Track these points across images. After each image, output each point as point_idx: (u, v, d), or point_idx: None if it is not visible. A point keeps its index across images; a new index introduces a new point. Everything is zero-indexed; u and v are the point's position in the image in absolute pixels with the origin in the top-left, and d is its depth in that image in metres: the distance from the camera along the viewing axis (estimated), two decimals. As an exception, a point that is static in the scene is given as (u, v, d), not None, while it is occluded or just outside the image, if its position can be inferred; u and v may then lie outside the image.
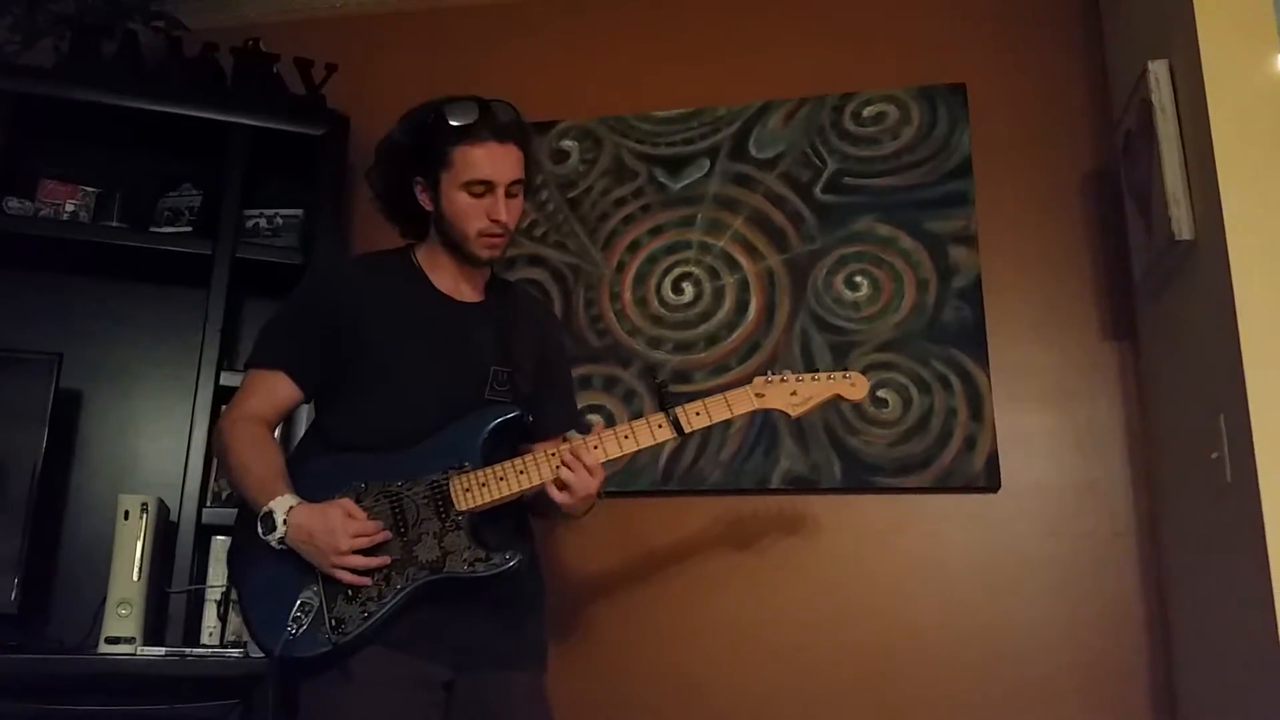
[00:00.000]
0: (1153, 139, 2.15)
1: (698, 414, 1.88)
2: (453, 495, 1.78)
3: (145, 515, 2.44)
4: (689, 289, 2.77)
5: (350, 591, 1.72)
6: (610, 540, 2.61)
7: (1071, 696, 2.37)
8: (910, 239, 2.67)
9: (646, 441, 1.86)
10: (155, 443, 2.78)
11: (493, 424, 1.84)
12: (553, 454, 1.81)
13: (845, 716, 2.46)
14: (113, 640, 2.36)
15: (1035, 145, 2.69)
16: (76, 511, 2.71)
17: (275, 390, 1.87)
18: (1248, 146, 1.94)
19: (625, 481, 2.61)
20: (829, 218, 2.73)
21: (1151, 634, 2.38)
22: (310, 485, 1.78)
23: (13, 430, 2.50)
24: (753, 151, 2.82)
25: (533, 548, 1.96)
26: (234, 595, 2.48)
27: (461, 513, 1.77)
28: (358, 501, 1.76)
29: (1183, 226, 2.07)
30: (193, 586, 2.52)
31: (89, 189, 2.75)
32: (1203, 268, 2.04)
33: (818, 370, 1.96)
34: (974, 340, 2.57)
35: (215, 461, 2.64)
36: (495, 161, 1.85)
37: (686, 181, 2.84)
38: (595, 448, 1.83)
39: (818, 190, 2.75)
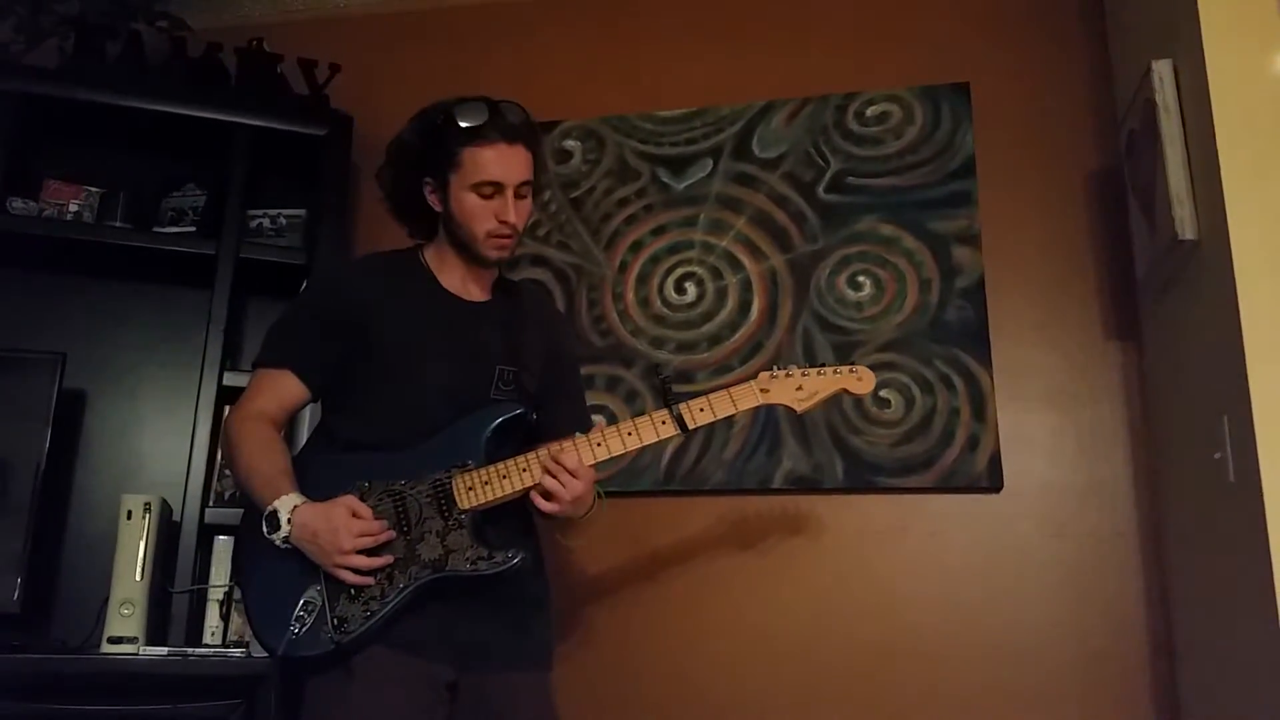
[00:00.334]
0: (1156, 138, 2.15)
1: (702, 410, 1.87)
2: (455, 494, 1.78)
3: (148, 515, 2.44)
4: (692, 289, 2.77)
5: (353, 591, 1.72)
6: (613, 540, 2.61)
7: (1074, 696, 2.37)
8: (913, 239, 2.67)
9: (650, 438, 1.85)
10: (158, 443, 2.78)
11: (496, 422, 1.83)
12: (503, 474, 1.79)
13: (847, 716, 2.45)
14: (115, 640, 2.36)
15: (1039, 145, 2.69)
16: (79, 511, 2.71)
17: (282, 389, 1.88)
18: (1252, 146, 1.94)
19: (628, 481, 2.61)
20: (832, 217, 2.73)
21: (1154, 634, 2.37)
22: (315, 484, 1.77)
23: (16, 430, 2.50)
24: (756, 151, 2.81)
25: (537, 547, 1.96)
26: (237, 595, 2.49)
27: (464, 511, 1.77)
28: (361, 500, 1.76)
29: (1186, 226, 2.07)
30: (195, 586, 2.53)
31: (93, 189, 2.75)
32: (1206, 268, 2.03)
33: (823, 365, 1.93)
34: (977, 340, 2.57)
35: (219, 461, 2.65)
36: (504, 163, 1.85)
37: (689, 181, 2.84)
38: (599, 445, 1.82)
39: (821, 190, 2.75)
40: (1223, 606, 2.03)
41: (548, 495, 1.78)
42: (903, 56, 2.82)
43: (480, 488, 1.78)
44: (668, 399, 1.88)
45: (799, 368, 1.92)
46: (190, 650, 2.37)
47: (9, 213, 2.64)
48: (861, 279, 2.68)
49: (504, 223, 1.86)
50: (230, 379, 2.62)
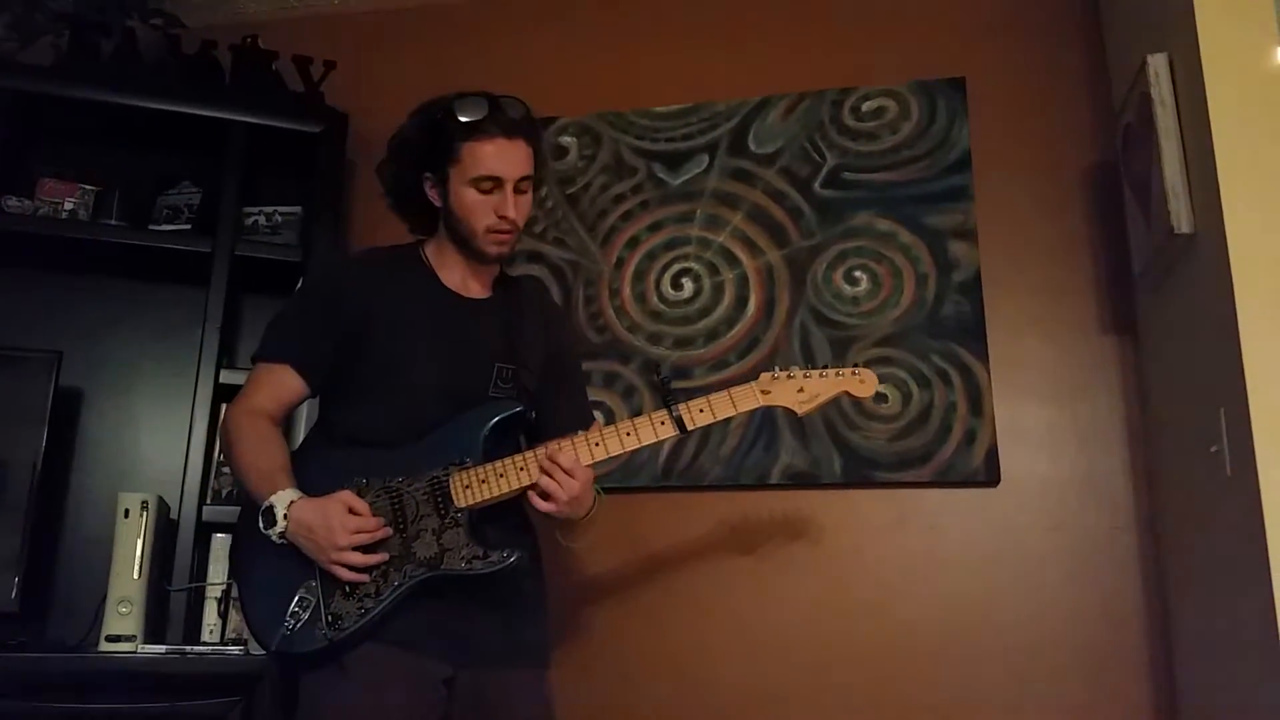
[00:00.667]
0: (1152, 132, 2.15)
1: (701, 411, 1.86)
2: (453, 492, 1.77)
3: (145, 513, 2.44)
4: (688, 285, 2.77)
5: (348, 588, 1.71)
6: (610, 537, 2.60)
7: (1072, 690, 2.37)
8: (909, 234, 2.67)
9: (649, 439, 1.84)
10: (155, 441, 2.78)
11: (494, 420, 1.83)
12: (500, 472, 1.78)
13: (846, 710, 2.46)
14: (113, 638, 2.36)
15: (1034, 139, 2.69)
16: (77, 510, 2.71)
17: (281, 384, 1.87)
18: (1247, 139, 1.94)
19: (625, 478, 2.61)
20: (828, 213, 2.73)
21: (1151, 627, 2.38)
22: (313, 480, 1.77)
23: (13, 429, 2.50)
24: (752, 147, 2.81)
25: (535, 544, 1.96)
26: (235, 593, 2.49)
27: (461, 509, 1.76)
28: (358, 497, 1.76)
29: (1182, 220, 2.07)
30: (193, 584, 2.52)
31: (88, 187, 2.75)
32: (1202, 261, 2.03)
33: (825, 367, 1.92)
34: (973, 335, 2.57)
35: (215, 459, 2.65)
36: (504, 157, 1.84)
37: (685, 177, 2.84)
38: (597, 445, 1.81)
39: (817, 185, 2.75)
40: (1220, 599, 2.04)
41: (544, 495, 1.77)
42: (898, 51, 2.82)
43: (477, 486, 1.78)
44: (666, 399, 1.87)
45: (800, 369, 1.90)
46: (188, 648, 2.37)
47: (4, 211, 2.63)
48: (858, 274, 2.68)
49: (503, 218, 1.85)
50: (227, 377, 2.61)
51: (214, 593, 2.55)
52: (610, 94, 2.94)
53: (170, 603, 2.50)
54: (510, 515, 1.87)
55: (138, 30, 2.83)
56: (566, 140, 2.92)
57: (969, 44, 2.78)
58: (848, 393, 1.90)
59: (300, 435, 2.29)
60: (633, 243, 2.83)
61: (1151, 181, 2.19)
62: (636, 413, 2.67)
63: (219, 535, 2.58)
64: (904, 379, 2.59)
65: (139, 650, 2.34)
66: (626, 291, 2.80)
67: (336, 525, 1.70)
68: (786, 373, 1.89)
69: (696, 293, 2.76)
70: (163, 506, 2.52)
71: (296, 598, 1.71)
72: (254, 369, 1.92)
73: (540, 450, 1.80)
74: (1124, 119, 2.39)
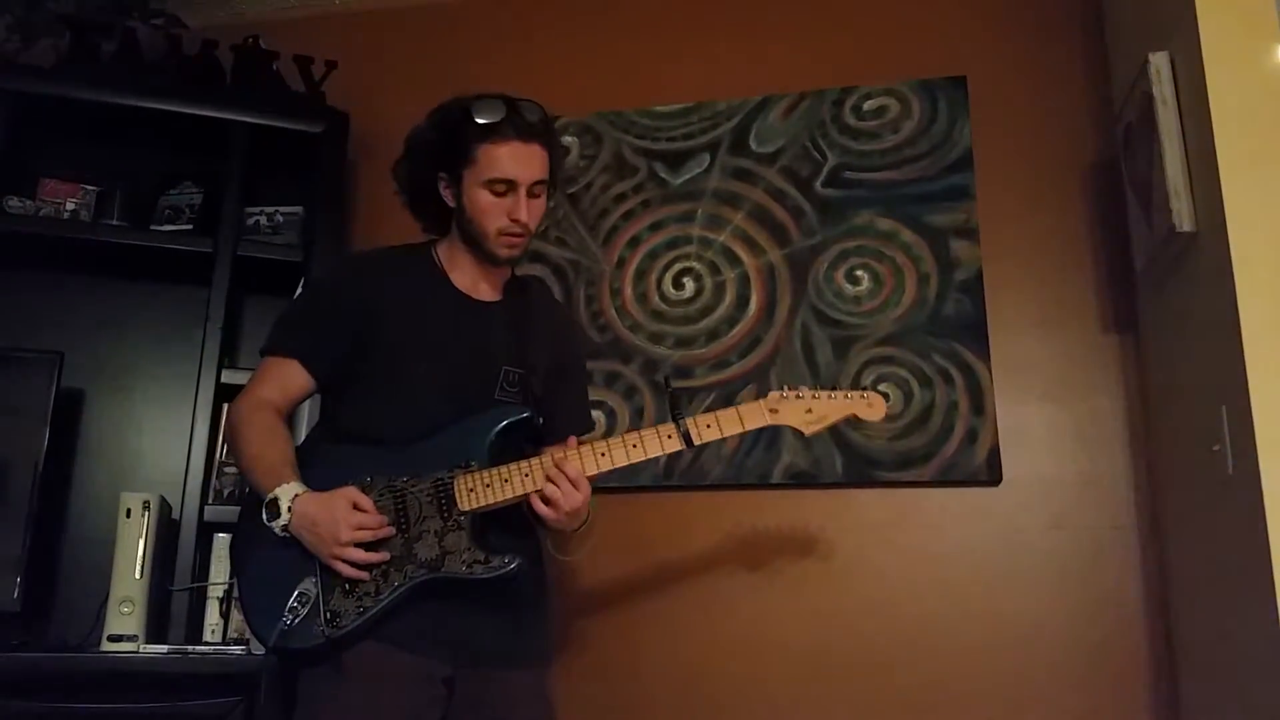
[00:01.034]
0: (1153, 131, 2.15)
1: (709, 426, 1.85)
2: (456, 494, 1.77)
3: (147, 513, 2.44)
4: (690, 284, 2.77)
5: (348, 585, 1.71)
6: (612, 536, 2.60)
7: (1073, 689, 2.37)
8: (911, 233, 2.67)
9: (655, 452, 1.83)
10: (157, 441, 2.78)
11: (501, 424, 1.82)
12: (505, 478, 1.78)
13: (847, 709, 2.46)
14: (115, 638, 2.36)
15: (1036, 138, 2.69)
16: (78, 510, 2.71)
17: (288, 378, 1.87)
18: (1249, 138, 1.93)
19: (627, 477, 2.56)
20: (830, 212, 2.73)
21: (1153, 627, 2.38)
22: (317, 474, 1.77)
23: (14, 429, 2.50)
24: (753, 146, 2.81)
25: (537, 546, 1.95)
26: (236, 592, 2.49)
27: (464, 512, 1.76)
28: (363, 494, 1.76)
29: (1184, 218, 2.07)
30: (195, 584, 2.53)
31: (89, 187, 2.75)
32: (1204, 260, 2.03)
33: (834, 388, 1.92)
34: (975, 334, 2.57)
35: (217, 459, 2.65)
36: (518, 160, 1.84)
37: (687, 176, 2.83)
38: (603, 455, 1.81)
39: (818, 185, 2.75)
40: (1221, 598, 2.04)
41: (547, 501, 1.77)
42: (899, 50, 2.81)
43: (482, 490, 1.77)
44: (675, 413, 1.86)
45: (809, 389, 1.90)
46: (190, 648, 2.38)
47: (6, 212, 2.64)
48: (859, 273, 2.68)
49: (515, 221, 1.85)
50: (228, 377, 2.62)
51: (216, 593, 2.55)
52: (611, 93, 2.94)
53: (172, 603, 2.51)
54: (513, 518, 1.86)
55: (139, 31, 2.83)
56: (568, 140, 2.91)
57: (970, 43, 2.78)
58: (855, 416, 1.91)
59: (302, 433, 2.29)
60: (634, 242, 2.83)
61: (1153, 180, 2.18)
62: (638, 412, 2.70)
63: (221, 535, 2.57)
64: (905, 378, 2.59)
65: (141, 650, 2.34)
66: (628, 291, 2.80)
67: (341, 520, 1.70)
68: (795, 392, 1.89)
69: (698, 292, 2.76)
70: (164, 506, 2.52)
71: (296, 593, 1.71)
72: (262, 362, 1.92)
73: (546, 458, 1.80)
74: (1125, 118, 2.38)
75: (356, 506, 1.72)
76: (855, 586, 2.53)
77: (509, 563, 1.74)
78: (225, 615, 2.53)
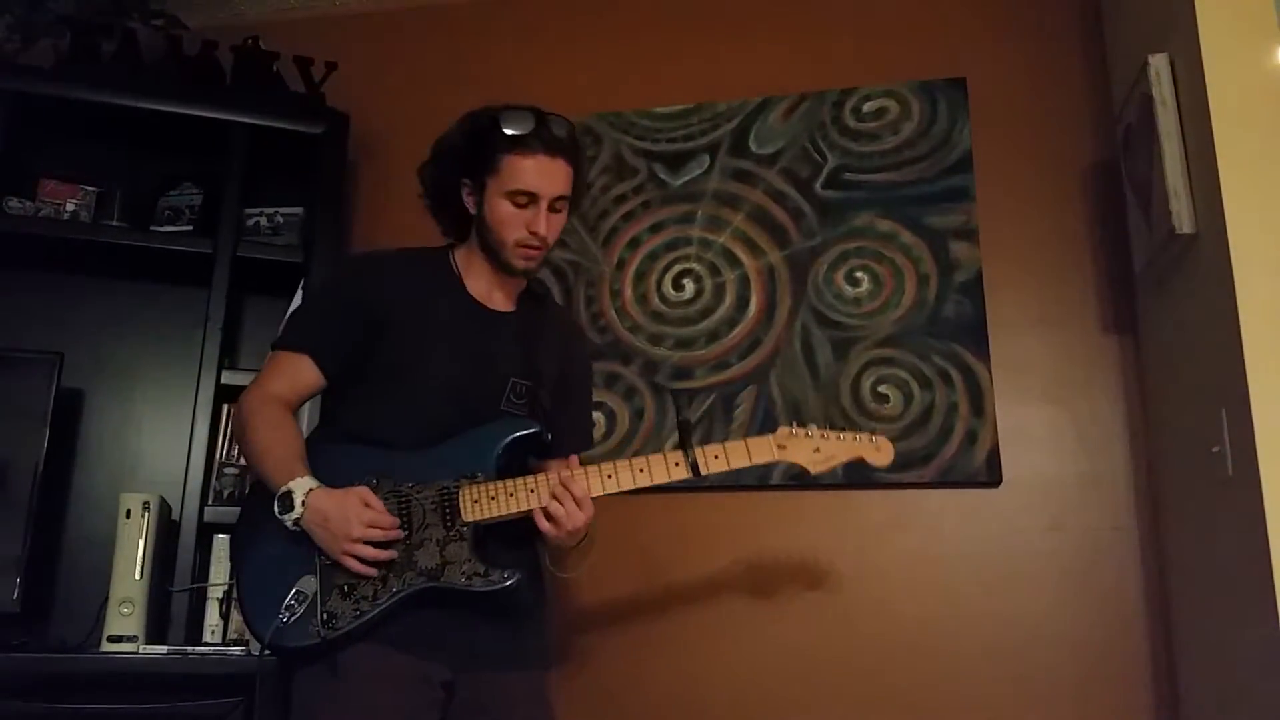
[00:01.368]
0: (1153, 133, 2.15)
1: (716, 457, 1.85)
2: (461, 505, 1.77)
3: (147, 514, 2.44)
4: (689, 285, 2.77)
5: (346, 587, 1.71)
6: (610, 538, 2.59)
7: (1073, 690, 2.37)
8: (911, 234, 2.67)
9: (661, 478, 1.84)
10: (157, 441, 2.78)
11: (510, 438, 1.83)
12: (511, 491, 1.78)
13: (847, 711, 2.46)
14: (115, 639, 2.36)
15: (1036, 139, 2.69)
16: (78, 510, 2.71)
17: (298, 374, 1.87)
18: (1248, 140, 1.94)
19: (626, 478, 2.61)
20: (829, 213, 2.73)
21: (1153, 628, 2.38)
22: (325, 471, 1.76)
23: (14, 430, 2.50)
24: (753, 147, 2.81)
25: (535, 556, 1.94)
26: (235, 590, 2.49)
27: (467, 523, 1.76)
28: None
29: (1183, 220, 2.07)
30: (195, 585, 2.52)
31: (89, 188, 2.75)
32: (1203, 261, 2.03)
33: (843, 429, 1.93)
34: (975, 335, 2.57)
35: (217, 460, 2.65)
36: (542, 174, 1.84)
37: (687, 178, 2.84)
38: (609, 477, 1.81)
39: (818, 186, 2.75)
40: (1221, 600, 2.04)
41: (550, 518, 1.77)
42: (899, 52, 2.82)
43: (486, 502, 1.77)
44: (684, 441, 1.86)
45: (819, 428, 1.91)
46: (190, 649, 2.38)
47: (5, 212, 2.64)
48: (859, 274, 2.68)
49: (534, 233, 1.85)
50: (228, 378, 2.62)
51: (215, 593, 2.55)
52: (611, 94, 2.94)
53: (172, 603, 2.51)
54: (512, 528, 1.86)
55: (139, 31, 2.83)
56: (567, 141, 2.91)
57: (970, 44, 2.78)
58: (862, 459, 1.91)
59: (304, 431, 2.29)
60: (634, 243, 2.83)
61: (1152, 182, 2.19)
62: (637, 413, 2.70)
63: (220, 536, 2.57)
64: (905, 380, 2.59)
65: (140, 651, 2.34)
66: (628, 292, 2.80)
67: (353, 517, 1.70)
68: (804, 430, 1.90)
69: (698, 293, 2.76)
70: (164, 507, 2.52)
71: (293, 591, 1.71)
72: (272, 356, 1.92)
73: (553, 475, 1.79)
74: (1125, 119, 2.39)
75: (366, 505, 1.73)
76: (855, 588, 2.53)
77: (507, 578, 1.74)
78: (225, 616, 2.53)
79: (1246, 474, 1.83)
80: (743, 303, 2.73)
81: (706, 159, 2.84)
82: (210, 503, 2.58)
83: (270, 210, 2.84)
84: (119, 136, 2.87)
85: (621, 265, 2.82)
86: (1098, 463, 2.50)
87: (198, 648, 2.41)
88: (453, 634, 1.76)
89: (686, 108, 2.88)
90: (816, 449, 1.89)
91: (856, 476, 2.54)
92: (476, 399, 1.87)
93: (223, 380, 2.61)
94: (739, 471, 2.54)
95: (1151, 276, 2.35)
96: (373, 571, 1.71)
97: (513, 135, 1.82)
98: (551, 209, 1.86)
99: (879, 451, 1.92)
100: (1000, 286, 2.61)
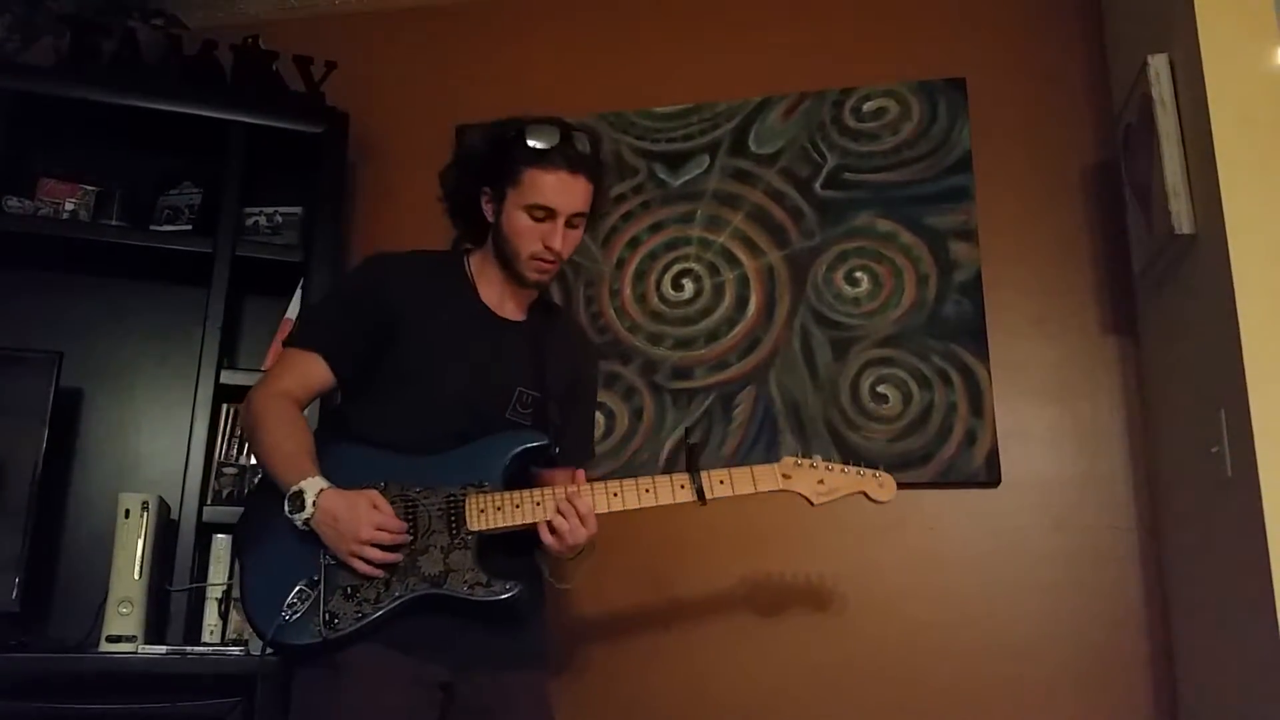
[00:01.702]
0: (1153, 133, 2.15)
1: (721, 483, 1.89)
2: (467, 513, 1.78)
3: (146, 514, 2.44)
4: (689, 285, 2.77)
5: (349, 589, 1.72)
6: (611, 542, 2.58)
7: (1072, 691, 2.37)
8: (910, 234, 2.67)
9: (666, 500, 1.87)
10: (156, 441, 2.78)
11: (518, 449, 1.84)
12: (517, 503, 1.79)
13: (846, 711, 2.46)
14: (114, 639, 2.36)
15: (1035, 140, 2.69)
16: (77, 510, 2.70)
17: (309, 372, 1.87)
18: (1248, 140, 1.94)
19: (625, 478, 2.60)
20: (829, 213, 2.73)
21: (1152, 628, 2.38)
22: (332, 471, 1.77)
23: (13, 429, 2.50)
24: (752, 147, 2.81)
25: (535, 559, 1.95)
26: (235, 593, 2.49)
27: (471, 532, 1.77)
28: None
29: (1183, 221, 2.07)
30: (194, 585, 2.52)
31: (88, 187, 2.74)
32: (1203, 262, 2.03)
33: (848, 464, 1.97)
34: (974, 335, 2.57)
35: (216, 459, 2.65)
36: (563, 190, 1.84)
37: (686, 178, 2.84)
38: (615, 495, 1.83)
39: (818, 186, 2.75)
40: (1220, 600, 2.04)
41: (553, 531, 1.78)
42: (899, 52, 2.82)
43: (492, 512, 1.78)
44: (691, 464, 1.89)
45: (824, 461, 1.95)
46: (189, 648, 2.37)
47: (4, 212, 2.63)
48: (859, 274, 2.68)
49: (549, 248, 1.86)
50: (227, 377, 2.62)
51: (214, 593, 2.54)
52: (611, 94, 2.94)
53: (171, 603, 2.50)
54: (513, 536, 1.87)
55: (138, 31, 2.83)
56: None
57: (969, 44, 2.78)
58: (865, 494, 1.96)
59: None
60: (633, 243, 2.83)
61: (1152, 182, 2.19)
62: (636, 413, 2.70)
63: (219, 536, 2.57)
64: (904, 380, 2.59)
65: (139, 651, 2.34)
66: (627, 292, 2.80)
67: (363, 518, 1.71)
68: (809, 461, 1.95)
69: (697, 293, 2.76)
70: (163, 507, 2.52)
71: (296, 589, 1.71)
72: (283, 353, 1.93)
73: (560, 490, 1.81)
74: (1124, 119, 2.39)
75: (375, 507, 1.73)
76: (854, 588, 2.52)
77: (510, 589, 1.75)
78: (224, 616, 2.53)
79: (1245, 474, 1.84)
80: (742, 302, 2.73)
81: (706, 159, 2.83)
82: (209, 502, 2.58)
83: (270, 210, 2.84)
84: (118, 136, 2.87)
85: (621, 265, 2.82)
86: (1097, 463, 2.50)
87: (196, 648, 2.40)
88: (452, 636, 1.77)
89: (686, 107, 2.88)
90: (820, 480, 1.95)
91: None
92: (482, 406, 1.87)
93: (222, 380, 2.61)
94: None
95: (1151, 277, 2.35)
96: (379, 573, 1.72)
97: (536, 149, 1.83)
98: (569, 225, 1.87)
99: (881, 487, 1.97)
100: (999, 286, 2.61)
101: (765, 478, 1.91)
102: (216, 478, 2.64)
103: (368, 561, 1.71)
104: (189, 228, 2.76)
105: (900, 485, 2.50)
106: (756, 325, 2.70)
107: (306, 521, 1.71)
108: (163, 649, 2.35)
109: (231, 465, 2.65)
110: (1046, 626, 2.42)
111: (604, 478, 1.88)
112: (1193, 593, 2.22)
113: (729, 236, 2.77)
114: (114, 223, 2.73)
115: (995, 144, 2.69)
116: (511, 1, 3.12)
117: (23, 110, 2.68)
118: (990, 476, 2.50)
